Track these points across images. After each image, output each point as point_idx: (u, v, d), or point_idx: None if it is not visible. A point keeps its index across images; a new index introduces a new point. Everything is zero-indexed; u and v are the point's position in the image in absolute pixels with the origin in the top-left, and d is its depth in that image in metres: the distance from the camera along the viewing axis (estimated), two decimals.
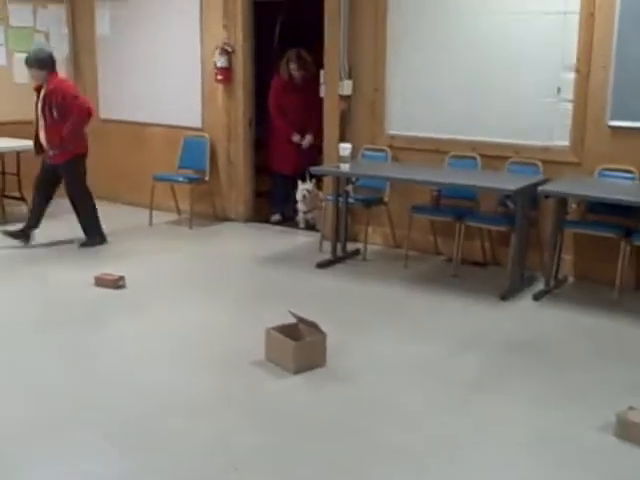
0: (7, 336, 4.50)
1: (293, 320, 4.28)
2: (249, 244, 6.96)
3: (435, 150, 6.27)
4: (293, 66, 7.22)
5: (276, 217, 7.63)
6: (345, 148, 5.91)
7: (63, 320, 4.80)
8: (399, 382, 4.01)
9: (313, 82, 6.98)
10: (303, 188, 7.04)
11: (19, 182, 7.50)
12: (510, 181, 5.49)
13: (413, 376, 4.08)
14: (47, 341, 4.46)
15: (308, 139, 7.32)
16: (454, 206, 6.06)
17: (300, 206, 7.18)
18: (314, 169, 6.29)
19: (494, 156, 6.02)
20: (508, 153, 5.96)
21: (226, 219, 7.54)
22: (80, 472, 3.10)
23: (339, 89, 6.60)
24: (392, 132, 6.53)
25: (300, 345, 4.09)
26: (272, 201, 7.77)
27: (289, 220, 7.49)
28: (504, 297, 5.32)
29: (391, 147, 6.53)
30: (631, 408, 3.45)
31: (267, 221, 7.58)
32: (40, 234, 6.69)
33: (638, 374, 4.12)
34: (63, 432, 3.40)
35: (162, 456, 3.22)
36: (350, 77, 6.62)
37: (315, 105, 6.96)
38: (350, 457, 3.25)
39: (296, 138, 7.32)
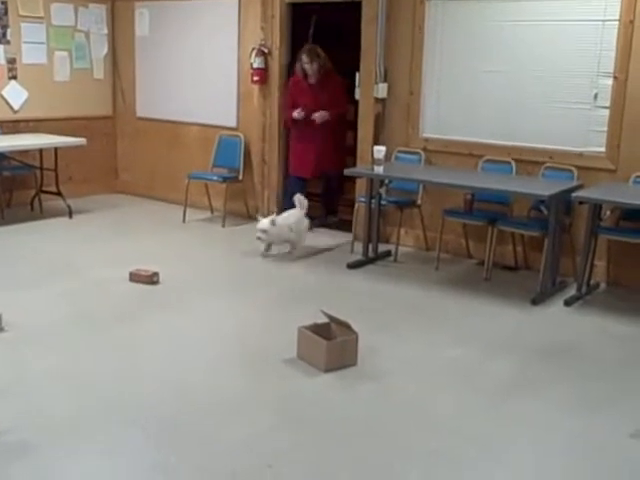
0: (46, 334, 4.59)
1: (325, 319, 4.33)
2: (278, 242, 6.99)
3: (469, 154, 6.29)
4: (305, 59, 6.89)
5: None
6: (379, 150, 5.94)
7: (99, 316, 4.88)
8: (430, 384, 4.03)
9: (328, 80, 6.97)
10: (260, 229, 6.24)
11: (56, 177, 7.62)
12: (544, 187, 5.49)
13: (444, 379, 4.10)
14: (83, 338, 4.54)
15: (322, 113, 6.86)
16: (487, 210, 6.06)
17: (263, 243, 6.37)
18: (348, 171, 6.32)
19: (529, 161, 6.02)
20: (543, 158, 5.96)
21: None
22: (119, 466, 3.17)
23: (374, 92, 6.64)
24: (426, 135, 6.56)
25: (332, 344, 4.13)
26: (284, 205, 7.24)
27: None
28: (535, 302, 5.32)
29: (425, 150, 6.55)
30: None
31: None
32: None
33: None
34: (103, 428, 3.46)
35: (198, 452, 3.27)
36: (385, 80, 6.65)
37: (331, 103, 6.92)
38: (381, 458, 3.28)
39: (296, 113, 6.94)
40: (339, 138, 7.23)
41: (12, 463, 3.11)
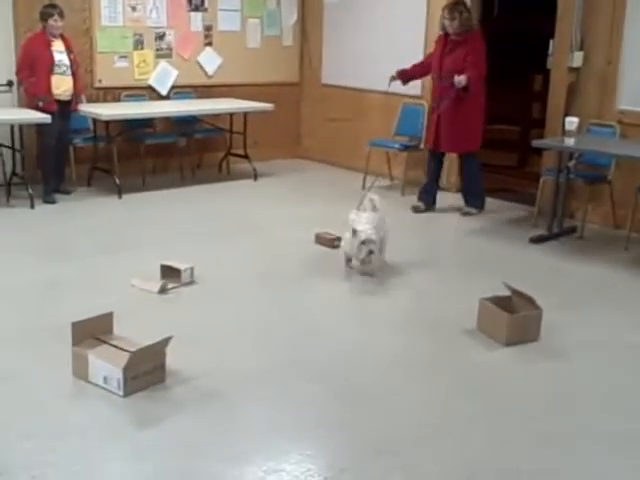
0: (234, 288, 4.80)
1: (507, 292, 4.25)
2: (460, 213, 6.90)
3: None
4: (446, 14, 6.32)
5: (418, 205, 6.84)
6: (571, 122, 5.71)
7: (286, 275, 5.05)
8: (615, 367, 3.87)
9: (469, 41, 6.31)
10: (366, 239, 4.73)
11: (244, 141, 7.92)
12: None
13: (629, 362, 3.92)
14: (271, 294, 4.72)
15: (462, 77, 6.17)
16: None
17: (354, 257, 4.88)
18: (536, 142, 6.10)
19: None
20: None
21: (441, 189, 7.53)
22: (302, 420, 3.29)
23: (569, 61, 6.35)
24: (623, 107, 6.21)
25: (515, 318, 4.05)
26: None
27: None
28: None
29: (620, 123, 6.22)
30: None
31: None
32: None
33: None
34: (287, 382, 3.60)
35: (375, 412, 3.33)
36: (581, 48, 6.35)
37: (462, 66, 6.24)
38: (558, 436, 3.19)
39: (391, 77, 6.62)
40: (472, 109, 6.46)
41: (203, 405, 3.31)
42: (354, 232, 4.65)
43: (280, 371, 3.68)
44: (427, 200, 6.83)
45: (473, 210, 6.71)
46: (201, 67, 8.22)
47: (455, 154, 7.02)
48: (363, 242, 4.64)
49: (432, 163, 6.82)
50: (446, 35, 6.40)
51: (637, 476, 2.92)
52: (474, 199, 6.76)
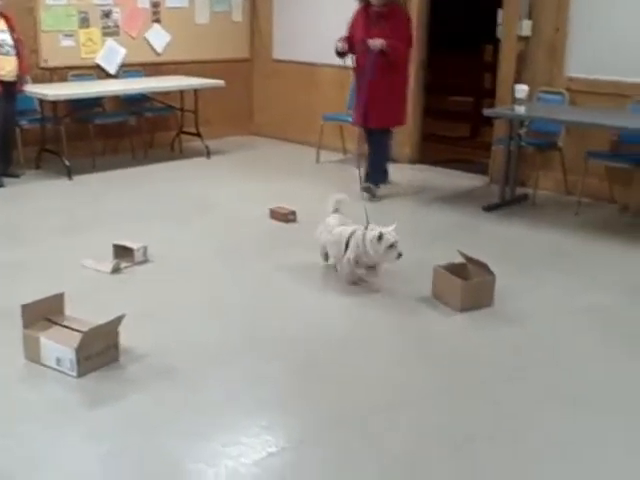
0: (189, 265, 4.76)
1: (461, 260, 4.28)
2: (414, 185, 6.93)
3: (618, 94, 5.96)
4: None
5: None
6: (520, 90, 5.74)
7: (240, 251, 5.02)
8: (568, 328, 3.92)
9: (392, 14, 5.99)
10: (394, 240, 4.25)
11: (196, 119, 7.83)
12: None
13: (582, 324, 3.98)
14: (225, 270, 4.69)
15: (378, 41, 5.84)
16: (635, 152, 5.76)
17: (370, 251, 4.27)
18: (487, 111, 6.13)
19: None
20: None
21: (393, 160, 7.54)
22: (262, 393, 3.28)
23: (518, 29, 6.38)
24: (571, 74, 6.26)
25: (469, 284, 4.08)
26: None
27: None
28: None
29: (569, 90, 6.27)
30: None
31: (431, 163, 7.51)
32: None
33: None
34: (245, 358, 3.59)
35: (335, 384, 3.34)
36: (530, 17, 6.38)
37: (396, 36, 5.93)
38: (516, 400, 3.23)
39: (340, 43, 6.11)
40: (397, 83, 6.13)
41: (158, 383, 3.28)
42: (380, 237, 4.18)
43: (237, 347, 3.67)
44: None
45: (378, 187, 6.34)
46: (149, 44, 8.09)
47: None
48: (391, 245, 4.21)
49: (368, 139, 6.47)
50: (367, 6, 6.07)
51: (593, 438, 2.96)
52: (382, 175, 6.43)
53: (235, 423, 3.02)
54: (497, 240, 5.31)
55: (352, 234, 4.35)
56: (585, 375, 3.44)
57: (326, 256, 4.68)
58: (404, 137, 7.48)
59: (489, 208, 5.98)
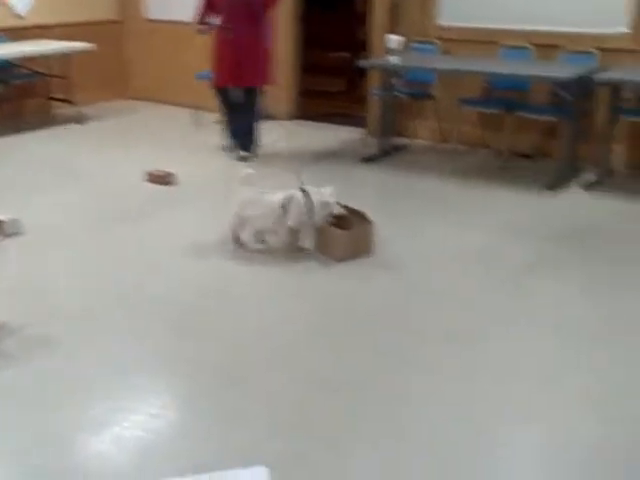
0: (63, 235, 4.60)
1: (341, 210, 4.29)
2: (293, 141, 6.91)
3: (488, 41, 6.10)
4: None
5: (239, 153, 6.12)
6: (392, 40, 5.78)
7: (116, 216, 4.89)
8: (448, 270, 4.03)
9: None
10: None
11: (66, 85, 7.51)
12: (564, 70, 5.34)
13: (463, 264, 4.09)
14: (100, 237, 4.56)
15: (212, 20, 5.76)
16: (504, 98, 5.92)
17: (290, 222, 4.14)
18: (362, 62, 6.15)
19: (548, 45, 5.84)
20: (562, 42, 5.77)
21: (271, 117, 7.49)
22: (143, 353, 3.22)
23: None
24: (443, 23, 6.35)
25: (348, 234, 4.11)
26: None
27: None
28: (553, 188, 5.25)
29: (441, 39, 6.37)
30: None
31: (310, 118, 7.50)
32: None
33: None
34: (121, 319, 3.51)
35: (221, 343, 3.31)
36: None
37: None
38: (399, 342, 3.30)
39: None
40: (262, 41, 5.89)
41: (35, 355, 3.17)
42: (304, 193, 4.02)
43: (113, 312, 3.57)
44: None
45: (249, 153, 6.12)
46: (11, 8, 7.67)
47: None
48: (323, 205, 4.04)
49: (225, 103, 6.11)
50: None
51: (472, 371, 3.07)
52: (250, 140, 6.17)
53: (116, 388, 2.95)
54: (376, 190, 5.38)
55: (290, 200, 4.09)
56: (465, 314, 3.54)
57: (237, 239, 4.28)
58: (282, 93, 7.43)
59: (367, 159, 6.04)
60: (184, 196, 5.27)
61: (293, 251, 4.18)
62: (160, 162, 5.78)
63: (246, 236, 4.26)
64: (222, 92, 6.12)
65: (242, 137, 6.15)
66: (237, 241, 4.31)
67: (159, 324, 3.46)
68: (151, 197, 5.25)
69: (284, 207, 4.10)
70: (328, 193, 4.09)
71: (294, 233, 4.17)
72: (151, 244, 4.44)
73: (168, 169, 5.53)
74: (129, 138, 7.00)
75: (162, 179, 5.43)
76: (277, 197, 4.15)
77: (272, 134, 6.63)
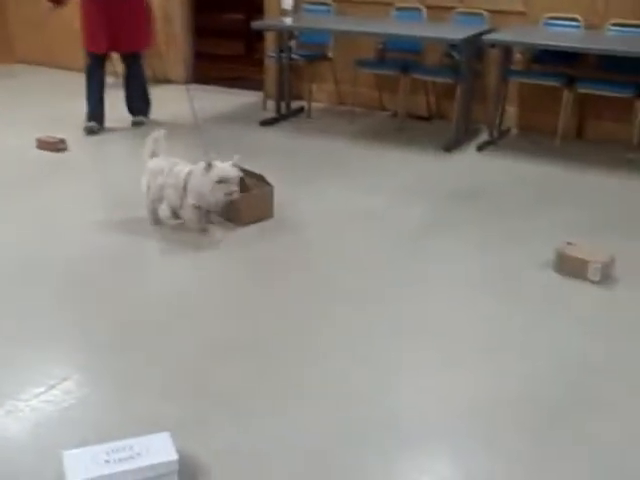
0: None
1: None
2: (188, 105, 6.76)
3: (382, 2, 6.11)
4: None
5: (92, 125, 5.73)
6: (287, 1, 5.72)
7: (4, 183, 4.69)
8: (347, 231, 4.06)
9: None
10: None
11: None
12: (455, 31, 5.43)
13: (361, 226, 4.13)
14: None
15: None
16: (399, 59, 5.98)
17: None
18: (256, 24, 6.07)
19: (440, 7, 5.91)
20: (453, 3, 5.86)
21: (166, 81, 7.33)
22: (37, 326, 3.11)
23: None
24: None
25: (247, 197, 4.07)
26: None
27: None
28: (448, 149, 5.36)
29: (335, 1, 6.35)
30: (569, 243, 3.57)
31: (207, 83, 7.36)
32: None
33: (577, 216, 4.24)
34: (3, 288, 3.39)
35: (112, 309, 3.24)
36: None
37: None
38: (299, 303, 3.32)
39: None
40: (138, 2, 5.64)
41: None
42: (209, 166, 3.73)
43: (9, 283, 3.44)
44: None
45: (145, 119, 5.95)
46: None
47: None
48: (220, 180, 3.74)
49: (99, 70, 5.70)
50: None
51: (377, 328, 3.11)
52: (146, 105, 5.99)
53: (10, 360, 2.85)
54: (275, 153, 5.35)
55: (189, 174, 3.82)
56: (367, 272, 3.58)
57: (156, 216, 4.03)
58: (176, 56, 7.28)
59: (265, 123, 6.00)
60: (77, 163, 5.10)
61: (205, 230, 3.99)
62: (49, 129, 5.56)
63: (162, 211, 4.04)
64: (99, 58, 5.68)
65: (137, 102, 5.96)
66: (155, 215, 4.04)
67: (54, 294, 3.35)
68: (43, 164, 5.05)
69: (185, 182, 3.84)
70: (230, 167, 3.79)
71: (199, 209, 3.88)
72: (45, 210, 4.28)
73: (59, 135, 5.33)
74: (15, 104, 6.69)
75: (53, 145, 5.23)
76: (183, 170, 3.86)
77: (167, 98, 6.48)
